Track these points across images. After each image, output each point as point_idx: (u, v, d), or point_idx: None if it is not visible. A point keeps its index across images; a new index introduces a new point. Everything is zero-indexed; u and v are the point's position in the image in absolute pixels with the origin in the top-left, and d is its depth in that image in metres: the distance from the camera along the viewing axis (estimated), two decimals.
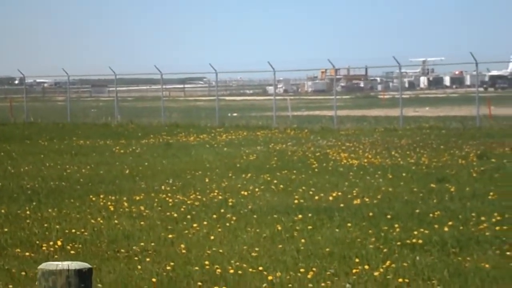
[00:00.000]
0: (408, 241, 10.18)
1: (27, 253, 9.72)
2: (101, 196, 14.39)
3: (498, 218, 11.45)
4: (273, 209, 12.81)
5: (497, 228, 10.85)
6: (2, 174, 18.30)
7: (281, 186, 15.61)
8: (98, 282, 8.22)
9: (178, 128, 34.31)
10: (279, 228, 11.31)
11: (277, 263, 9.29)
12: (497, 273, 8.47)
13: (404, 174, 16.92)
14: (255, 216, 12.29)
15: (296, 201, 13.72)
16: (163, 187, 15.67)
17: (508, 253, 9.39)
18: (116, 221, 11.95)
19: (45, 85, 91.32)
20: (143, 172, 18.34)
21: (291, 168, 18.33)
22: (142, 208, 13.11)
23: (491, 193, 13.82)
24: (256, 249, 9.97)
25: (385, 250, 9.81)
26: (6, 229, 11.28)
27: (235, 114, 44.24)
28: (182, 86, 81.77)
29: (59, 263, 4.03)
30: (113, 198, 14.15)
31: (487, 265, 8.82)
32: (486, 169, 17.40)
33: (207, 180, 16.58)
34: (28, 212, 12.72)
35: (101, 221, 11.93)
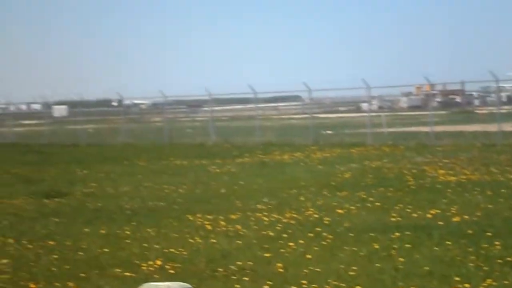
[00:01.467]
0: (509, 259, 9.95)
1: (127, 273, 9.89)
2: (198, 215, 14.55)
3: None
4: (370, 227, 12.71)
5: None
6: (102, 195, 18.69)
7: (377, 203, 15.48)
8: None
9: (272, 147, 34.44)
10: (376, 246, 11.20)
11: (375, 282, 9.20)
12: None
13: (503, 191, 16.57)
14: (351, 234, 12.21)
15: (393, 219, 13.58)
16: (258, 206, 15.74)
17: None
18: (213, 240, 12.05)
19: (143, 106, 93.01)
20: (239, 191, 18.46)
21: (387, 186, 18.16)
22: (238, 227, 13.19)
23: None
24: (354, 268, 9.90)
25: (485, 268, 9.61)
26: (106, 250, 11.51)
27: (329, 132, 44.13)
28: (275, 104, 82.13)
29: (160, 283, 4.11)
30: (210, 217, 14.28)
31: None
32: None
33: (302, 199, 16.58)
34: (127, 232, 12.94)
35: (199, 240, 12.05)
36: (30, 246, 11.99)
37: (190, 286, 3.95)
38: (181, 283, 3.99)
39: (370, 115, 38.66)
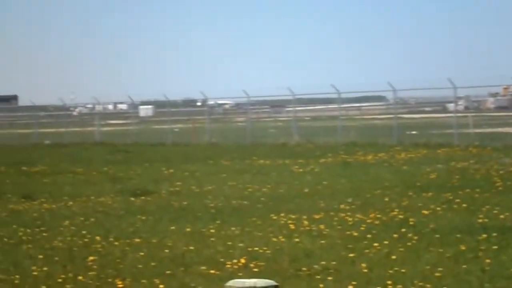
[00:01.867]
0: None
1: (212, 271, 9.97)
2: (282, 214, 14.57)
3: None
4: (456, 229, 12.53)
5: None
6: (187, 193, 18.89)
7: (464, 205, 15.25)
8: None
9: (355, 147, 34.25)
10: (463, 248, 11.04)
11: (461, 283, 9.07)
12: None
13: None
14: (437, 235, 12.06)
15: (479, 220, 13.36)
16: (342, 206, 15.68)
17: None
18: (297, 240, 12.05)
19: (226, 106, 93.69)
20: (322, 191, 18.42)
21: (474, 187, 17.87)
22: (322, 226, 13.16)
23: None
24: (440, 269, 9.77)
25: None
26: (191, 247, 11.63)
27: (414, 132, 43.65)
28: (359, 104, 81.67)
29: (246, 280, 4.14)
30: (293, 216, 14.29)
31: None
32: None
33: (386, 199, 16.44)
34: (212, 231, 13.05)
35: (283, 239, 12.07)
36: (116, 243, 12.20)
37: (275, 283, 3.96)
38: (267, 280, 4.01)
39: (457, 115, 38.10)
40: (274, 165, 26.38)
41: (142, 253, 11.26)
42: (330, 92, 42.57)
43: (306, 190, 18.51)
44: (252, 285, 3.98)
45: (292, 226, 13.28)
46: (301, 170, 24.26)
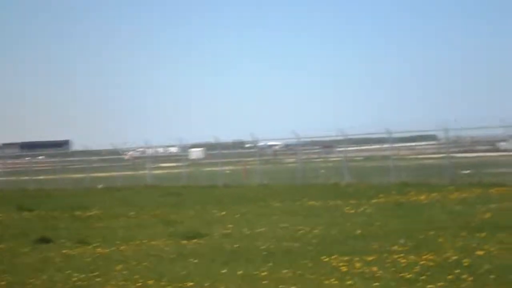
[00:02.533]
0: None
1: None
2: (333, 256, 14.48)
3: None
4: (511, 269, 12.34)
5: None
6: (239, 235, 18.90)
7: None
8: None
9: (408, 187, 33.98)
10: None
11: None
12: None
13: None
14: (492, 276, 11.89)
15: None
16: (395, 247, 15.54)
17: None
18: (349, 282, 11.97)
19: (276, 147, 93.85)
20: (374, 232, 18.28)
21: None
22: (374, 269, 13.06)
23: None
24: None
25: None
26: None
27: (467, 171, 43.23)
28: (411, 144, 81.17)
29: None
30: (345, 258, 14.20)
31: None
32: None
33: (440, 240, 16.26)
34: (264, 273, 13.02)
35: (335, 282, 12.00)
36: (169, 287, 12.23)
37: None
38: None
39: (510, 154, 37.64)
40: (326, 206, 26.28)
41: None
42: (381, 132, 42.42)
43: (358, 231, 18.39)
44: None
45: (344, 268, 13.19)
46: (352, 211, 24.12)
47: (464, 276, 11.97)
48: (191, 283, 12.45)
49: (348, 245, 16.20)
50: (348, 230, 18.89)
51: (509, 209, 22.20)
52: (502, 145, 59.44)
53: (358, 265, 13.50)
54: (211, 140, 52.57)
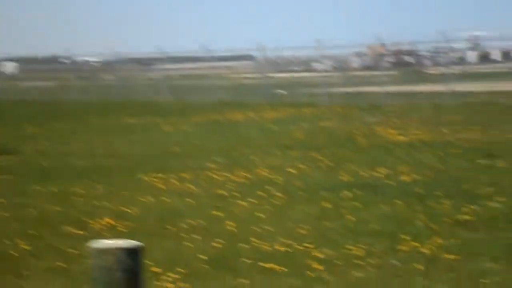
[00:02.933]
0: (457, 218, 10.12)
1: (78, 231, 9.85)
2: (150, 173, 14.51)
3: None
4: (321, 186, 12.81)
5: None
6: (53, 152, 18.54)
7: (329, 163, 15.59)
8: (148, 259, 8.30)
9: (225, 106, 34.40)
10: (327, 205, 11.30)
11: (324, 240, 9.29)
12: None
13: (453, 151, 16.79)
14: (303, 193, 12.30)
15: (344, 178, 13.70)
16: (211, 165, 15.75)
17: None
18: (165, 199, 12.05)
19: (94, 64, 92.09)
20: (191, 150, 18.44)
21: (339, 145, 18.29)
22: (189, 185, 13.20)
23: None
24: (304, 226, 9.98)
25: (433, 226, 9.75)
26: (57, 208, 11.44)
27: (282, 91, 44.19)
28: (228, 63, 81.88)
29: (110, 241, 4.08)
30: (161, 175, 14.26)
31: None
32: None
33: (254, 158, 16.62)
34: (78, 190, 12.87)
35: (151, 199, 12.04)
36: None
37: (140, 243, 3.92)
38: (131, 241, 3.97)
39: (323, 75, 38.76)
40: (144, 124, 26.20)
41: (6, 214, 11.00)
42: (200, 51, 42.49)
43: (176, 149, 18.49)
44: (116, 246, 3.92)
45: (160, 186, 13.26)
46: (171, 129, 24.19)
47: (276, 193, 12.31)
48: (2, 200, 12.12)
49: (165, 162, 16.25)
50: (166, 147, 18.95)
51: (320, 128, 22.95)
52: (317, 65, 61.07)
53: (174, 182, 13.59)
54: (26, 54, 50.84)
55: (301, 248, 8.93)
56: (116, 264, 3.99)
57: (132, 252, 4.04)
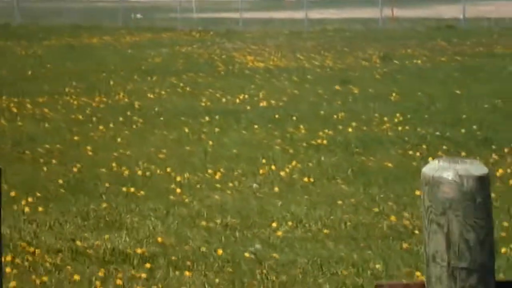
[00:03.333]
0: (313, 142, 10.37)
1: None
2: (4, 98, 14.09)
3: (401, 118, 11.74)
4: (180, 112, 12.81)
5: (400, 128, 11.14)
6: None
7: (188, 89, 15.58)
8: (4, 184, 8.13)
9: (80, 29, 33.60)
10: (187, 130, 11.34)
11: (185, 164, 9.35)
12: (400, 171, 8.74)
13: (309, 77, 17.09)
14: (162, 118, 12.28)
15: (203, 104, 13.75)
16: (66, 89, 15.42)
17: (410, 152, 9.67)
18: (19, 123, 11.77)
19: None
20: (46, 74, 17.99)
21: (197, 71, 18.27)
22: (45, 110, 12.92)
23: (394, 94, 14.12)
24: (164, 151, 10.00)
25: (291, 151, 9.97)
26: None
27: (138, 15, 43.53)
28: None
29: None
30: (15, 100, 13.87)
31: (390, 164, 9.08)
32: (389, 71, 17.72)
33: (111, 83, 16.40)
34: None
35: (4, 123, 11.73)
36: None
37: None
38: None
39: (179, 0, 38.39)
40: None
41: None
42: None
43: (29, 73, 17.99)
44: None
45: (14, 110, 12.91)
46: (23, 52, 23.47)
47: (134, 118, 12.23)
48: None
49: (18, 86, 15.79)
50: (19, 71, 18.40)
51: (179, 53, 22.82)
52: None
53: (29, 106, 13.26)
54: None
55: (161, 172, 8.96)
56: None
57: None
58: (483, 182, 2.40)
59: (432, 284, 2.38)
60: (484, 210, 2.40)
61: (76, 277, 5.30)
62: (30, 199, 7.72)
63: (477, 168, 2.39)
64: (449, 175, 2.37)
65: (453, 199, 2.37)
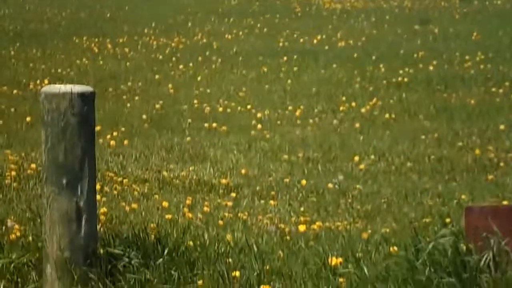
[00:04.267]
0: (393, 80, 10.29)
1: (15, 91, 9.73)
2: (84, 38, 14.28)
3: (482, 57, 11.55)
4: (258, 52, 12.81)
5: (481, 66, 10.96)
6: None
7: (265, 29, 15.55)
8: None
9: None
10: (265, 69, 11.35)
11: (265, 102, 9.39)
12: (482, 108, 8.64)
13: (387, 17, 16.87)
14: (240, 58, 12.30)
15: (280, 44, 13.72)
16: (146, 30, 15.54)
17: (492, 89, 9.53)
18: (101, 62, 11.94)
19: None
20: (125, 16, 18.13)
21: (274, 13, 18.19)
22: (126, 50, 13.06)
23: (475, 34, 13.87)
24: (243, 89, 10.04)
25: (371, 88, 9.91)
26: None
27: None
28: None
29: (62, 86, 4.05)
30: (96, 40, 14.05)
31: (472, 101, 8.97)
32: (468, 11, 17.38)
33: (189, 24, 16.46)
34: (12, 53, 12.63)
35: (86, 62, 11.91)
36: None
37: (91, 89, 3.91)
38: (84, 86, 3.95)
39: None
40: None
41: None
42: None
43: (108, 15, 18.16)
44: (68, 90, 3.90)
45: (95, 49, 13.09)
46: None
47: (213, 58, 12.29)
48: None
49: (98, 27, 15.97)
50: (98, 13, 18.58)
51: None
52: None
53: (109, 46, 13.42)
54: None
55: (242, 109, 9.01)
56: (70, 108, 3.99)
57: (85, 97, 4.04)
58: None
59: None
60: None
61: (165, 203, 5.39)
62: (115, 133, 7.86)
63: None
64: None
65: None
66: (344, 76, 10.80)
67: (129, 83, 10.37)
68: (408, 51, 12.39)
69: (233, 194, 5.91)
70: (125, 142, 7.61)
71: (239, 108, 9.08)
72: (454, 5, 18.87)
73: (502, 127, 7.60)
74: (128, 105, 9.23)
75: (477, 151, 6.94)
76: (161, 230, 3.99)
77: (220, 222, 4.86)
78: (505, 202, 5.17)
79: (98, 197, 5.78)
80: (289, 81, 10.58)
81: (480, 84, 9.84)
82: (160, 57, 12.48)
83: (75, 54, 12.61)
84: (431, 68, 10.98)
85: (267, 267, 3.60)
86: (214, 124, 8.28)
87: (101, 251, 3.77)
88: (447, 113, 8.45)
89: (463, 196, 5.54)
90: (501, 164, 6.54)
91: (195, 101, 9.37)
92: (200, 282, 3.53)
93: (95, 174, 3.91)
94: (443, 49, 12.48)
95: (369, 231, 4.56)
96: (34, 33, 15.15)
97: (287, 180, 6.35)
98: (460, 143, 7.26)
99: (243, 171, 6.63)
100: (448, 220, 4.80)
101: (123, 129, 8.09)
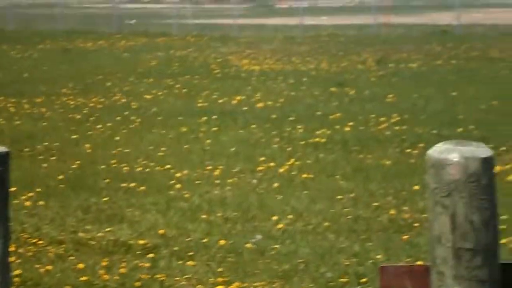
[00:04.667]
0: (311, 141, 10.41)
1: None
2: (1, 98, 14.11)
3: (398, 118, 11.79)
4: (177, 112, 12.85)
5: (397, 127, 11.19)
6: None
7: (184, 90, 15.63)
8: None
9: (75, 34, 33.62)
10: (184, 129, 11.37)
11: (184, 161, 9.39)
12: (397, 168, 8.79)
13: (305, 79, 17.14)
14: (159, 118, 12.31)
15: (200, 105, 13.78)
16: (63, 90, 15.46)
17: (407, 150, 9.72)
18: (17, 122, 11.79)
19: None
20: (42, 76, 18.02)
21: (193, 74, 18.31)
22: (43, 110, 12.95)
23: (390, 96, 14.18)
24: (163, 149, 10.03)
25: (289, 149, 10.01)
26: None
27: (133, 21, 43.58)
28: None
29: None
30: (13, 100, 13.89)
31: (387, 162, 9.13)
32: (384, 74, 17.79)
33: (108, 84, 16.44)
34: None
35: (3, 122, 11.75)
36: None
37: (6, 149, 3.86)
38: None
39: (173, 6, 38.49)
40: None
41: None
42: None
43: (26, 75, 18.02)
44: None
45: (12, 109, 12.93)
46: (19, 55, 23.50)
47: (132, 118, 12.27)
48: None
49: (15, 87, 15.82)
50: (15, 73, 18.43)
51: (174, 57, 22.87)
52: None
53: (26, 106, 13.29)
54: None
55: (160, 169, 8.99)
56: None
57: (0, 158, 3.99)
58: (488, 163, 2.42)
59: (437, 265, 2.40)
60: (489, 191, 2.42)
61: (80, 265, 5.32)
62: (30, 194, 7.75)
63: (481, 150, 2.42)
64: (454, 156, 2.39)
65: (459, 181, 2.39)
66: (263, 136, 10.89)
67: (46, 143, 10.25)
68: (325, 113, 12.59)
69: (151, 255, 5.87)
70: (41, 202, 7.51)
71: (157, 168, 9.06)
72: (370, 68, 19.30)
73: (416, 187, 7.74)
74: (45, 165, 9.12)
75: (393, 211, 7.05)
76: None
77: (137, 283, 4.81)
78: (419, 262, 5.25)
79: (12, 259, 5.68)
80: (208, 141, 10.62)
81: (396, 145, 10.03)
82: (78, 116, 12.40)
83: None
84: (347, 129, 11.17)
85: None
86: (132, 184, 8.23)
87: None
88: (363, 174, 8.58)
89: (378, 256, 5.61)
90: (416, 224, 6.65)
91: (113, 161, 9.31)
92: None
93: (8, 235, 3.85)
94: (359, 111, 12.72)
95: None
96: None
97: (205, 240, 6.33)
98: (375, 203, 7.37)
99: (161, 231, 6.60)
100: (364, 279, 4.85)
101: (38, 189, 7.97)
